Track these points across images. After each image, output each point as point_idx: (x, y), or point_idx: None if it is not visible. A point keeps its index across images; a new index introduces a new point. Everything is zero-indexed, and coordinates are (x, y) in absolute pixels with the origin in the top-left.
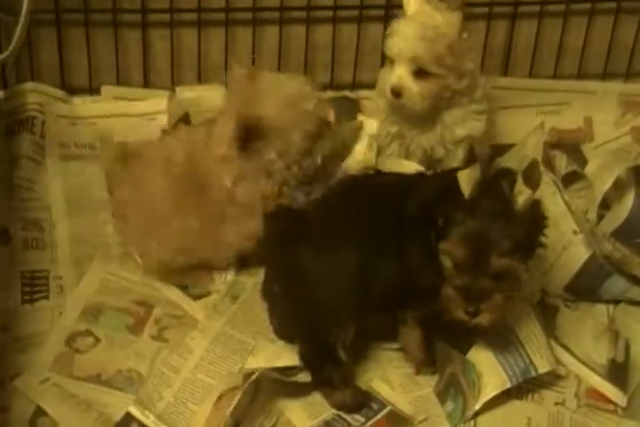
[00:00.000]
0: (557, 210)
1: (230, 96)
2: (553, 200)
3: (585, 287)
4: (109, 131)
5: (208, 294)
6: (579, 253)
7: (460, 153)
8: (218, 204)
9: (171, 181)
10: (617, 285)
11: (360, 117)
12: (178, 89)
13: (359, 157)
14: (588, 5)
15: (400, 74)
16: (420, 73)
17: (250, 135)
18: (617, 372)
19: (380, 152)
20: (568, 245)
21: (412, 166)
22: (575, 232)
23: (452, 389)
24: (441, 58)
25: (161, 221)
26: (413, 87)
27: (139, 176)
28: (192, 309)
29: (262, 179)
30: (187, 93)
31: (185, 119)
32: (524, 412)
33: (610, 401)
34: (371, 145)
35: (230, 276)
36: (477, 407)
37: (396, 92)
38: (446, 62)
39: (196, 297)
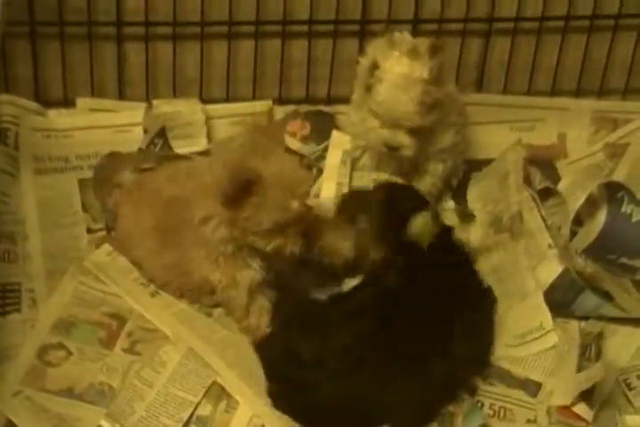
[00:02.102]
0: (535, 225)
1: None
2: (531, 215)
3: (558, 302)
4: (87, 143)
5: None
6: (552, 268)
7: (440, 168)
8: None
9: (155, 215)
10: (589, 301)
11: (334, 132)
12: (155, 103)
13: (331, 173)
14: (561, 23)
15: (400, 138)
16: (414, 130)
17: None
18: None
19: (352, 166)
20: (543, 258)
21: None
22: (550, 246)
23: (436, 425)
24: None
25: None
26: (411, 142)
27: (129, 209)
28: (163, 323)
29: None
30: (163, 108)
31: (161, 133)
32: None
33: (580, 418)
34: (344, 162)
35: None
36: None
37: (394, 149)
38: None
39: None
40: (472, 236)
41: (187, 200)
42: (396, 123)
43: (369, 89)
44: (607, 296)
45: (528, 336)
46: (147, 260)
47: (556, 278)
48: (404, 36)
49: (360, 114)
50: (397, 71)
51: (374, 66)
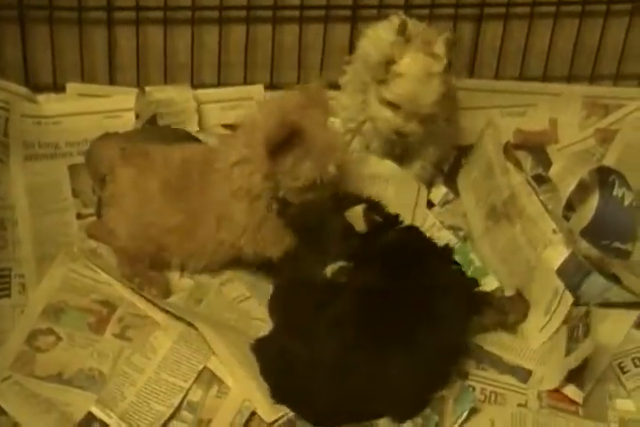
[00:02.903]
0: (534, 210)
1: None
2: (529, 200)
3: (565, 287)
4: (77, 129)
5: None
6: (559, 252)
7: (430, 152)
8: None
9: (163, 178)
10: (597, 284)
11: None
12: (147, 90)
13: None
14: (553, 8)
15: (413, 127)
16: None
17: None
18: (576, 370)
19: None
20: (549, 244)
21: (387, 165)
22: (554, 231)
23: (430, 408)
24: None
25: (149, 214)
26: (420, 130)
27: (142, 171)
28: (153, 311)
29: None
30: (156, 95)
31: (152, 121)
32: (487, 414)
33: (571, 402)
34: None
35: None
36: None
37: (404, 136)
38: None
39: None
40: (472, 229)
41: (202, 161)
42: (414, 112)
43: (383, 82)
44: (615, 279)
45: (552, 307)
46: (145, 224)
47: (563, 263)
48: (415, 28)
49: (356, 98)
50: (416, 67)
51: (389, 60)
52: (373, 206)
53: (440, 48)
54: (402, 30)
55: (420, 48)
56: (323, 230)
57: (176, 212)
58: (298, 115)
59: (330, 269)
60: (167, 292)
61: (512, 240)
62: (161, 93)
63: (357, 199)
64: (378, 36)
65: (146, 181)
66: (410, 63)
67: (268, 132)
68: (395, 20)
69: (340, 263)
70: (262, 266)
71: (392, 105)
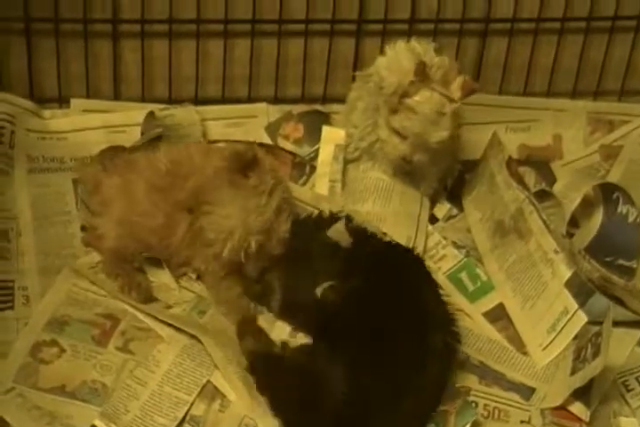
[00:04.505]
0: (537, 229)
1: None
2: (531, 219)
3: None
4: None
5: (169, 307)
6: (561, 272)
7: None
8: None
9: (149, 180)
10: (599, 304)
11: (325, 127)
12: (156, 114)
13: (324, 169)
14: (557, 24)
15: (419, 156)
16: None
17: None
18: (582, 388)
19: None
20: (550, 264)
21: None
22: (556, 251)
23: (434, 425)
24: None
25: (134, 214)
26: (427, 159)
27: (126, 177)
28: (156, 324)
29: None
30: (164, 120)
31: (156, 139)
32: None
33: (575, 419)
34: (336, 157)
35: (187, 289)
36: None
37: (410, 162)
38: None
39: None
40: (478, 244)
41: (187, 162)
42: (421, 145)
43: (394, 111)
44: (617, 299)
45: (558, 326)
46: (130, 226)
47: (565, 282)
48: (436, 61)
49: (368, 118)
50: (428, 106)
51: (403, 92)
52: (350, 219)
53: (456, 92)
54: (419, 71)
55: (435, 88)
56: (309, 252)
57: (159, 212)
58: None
59: (320, 290)
60: (147, 296)
61: (526, 256)
62: (169, 119)
63: (334, 216)
64: (397, 62)
65: (131, 186)
66: (423, 101)
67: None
68: (417, 48)
69: (329, 282)
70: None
71: (399, 134)
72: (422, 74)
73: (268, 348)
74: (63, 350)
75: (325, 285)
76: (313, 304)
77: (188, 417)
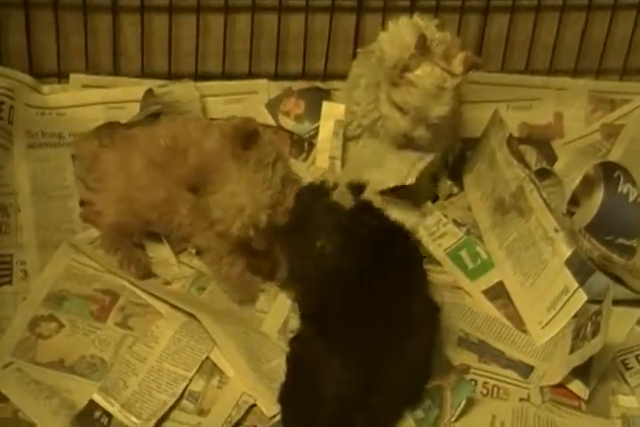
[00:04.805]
0: (537, 206)
1: None
2: (532, 196)
3: None
4: (81, 120)
5: (167, 283)
6: (561, 251)
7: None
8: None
9: (148, 155)
10: (599, 283)
11: (325, 103)
12: (155, 91)
13: (324, 145)
14: (560, 1)
15: (420, 132)
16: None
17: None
18: (582, 366)
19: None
20: (551, 242)
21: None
22: (557, 230)
23: (430, 400)
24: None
25: (134, 189)
26: (428, 135)
27: (125, 152)
28: (154, 301)
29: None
30: (163, 97)
31: (155, 115)
32: (488, 409)
33: (574, 397)
34: (337, 133)
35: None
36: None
37: (411, 139)
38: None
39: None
40: (478, 222)
41: (186, 137)
42: (422, 120)
43: (395, 84)
44: (617, 278)
45: (558, 304)
46: (129, 202)
47: (565, 262)
48: (438, 36)
49: (370, 94)
50: (429, 80)
51: (404, 66)
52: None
53: (458, 67)
54: (420, 44)
55: (437, 62)
56: (310, 218)
57: (159, 187)
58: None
59: (319, 243)
60: (146, 272)
61: (526, 234)
62: (168, 96)
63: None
64: (399, 37)
65: (129, 161)
66: (424, 76)
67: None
68: (419, 22)
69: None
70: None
71: (400, 109)
72: (423, 47)
73: None
74: (62, 326)
75: (326, 238)
76: (315, 265)
77: (186, 393)
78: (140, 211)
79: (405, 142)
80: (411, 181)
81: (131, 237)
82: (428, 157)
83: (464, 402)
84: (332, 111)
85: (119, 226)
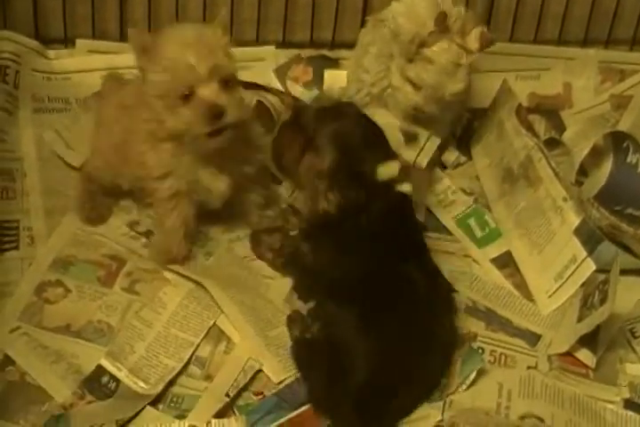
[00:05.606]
0: (546, 177)
1: None
2: (540, 165)
3: None
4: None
5: None
6: (570, 220)
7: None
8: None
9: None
10: (608, 252)
11: (327, 71)
12: None
13: None
14: None
15: (431, 107)
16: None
17: None
18: (589, 335)
19: None
20: (559, 211)
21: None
22: (565, 199)
23: None
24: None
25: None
26: (438, 110)
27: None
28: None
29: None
30: None
31: None
32: (495, 377)
33: (581, 365)
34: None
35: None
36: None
37: (421, 112)
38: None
39: None
40: (487, 191)
41: None
42: (435, 97)
43: (410, 60)
44: (626, 248)
45: (566, 273)
46: (103, 148)
47: (574, 230)
48: (454, 12)
49: (381, 64)
50: (446, 56)
51: (420, 42)
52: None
53: (474, 43)
54: (440, 22)
55: (453, 39)
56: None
57: (120, 131)
58: None
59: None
60: (103, 218)
61: (535, 203)
62: None
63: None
64: (414, 10)
65: (107, 107)
66: (441, 52)
67: None
68: None
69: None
70: None
71: (414, 84)
72: (442, 24)
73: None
74: (68, 291)
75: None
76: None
77: (193, 358)
78: (106, 155)
79: (414, 114)
80: (421, 165)
81: (100, 183)
82: (437, 140)
83: (474, 374)
84: (335, 79)
85: (93, 173)
